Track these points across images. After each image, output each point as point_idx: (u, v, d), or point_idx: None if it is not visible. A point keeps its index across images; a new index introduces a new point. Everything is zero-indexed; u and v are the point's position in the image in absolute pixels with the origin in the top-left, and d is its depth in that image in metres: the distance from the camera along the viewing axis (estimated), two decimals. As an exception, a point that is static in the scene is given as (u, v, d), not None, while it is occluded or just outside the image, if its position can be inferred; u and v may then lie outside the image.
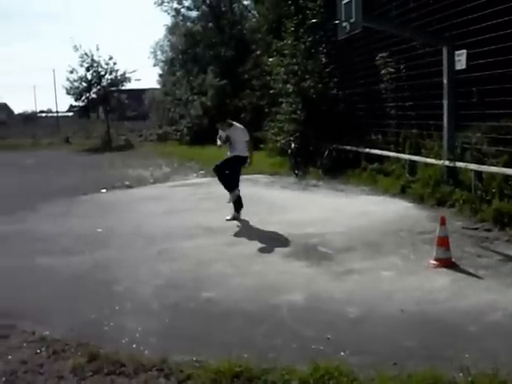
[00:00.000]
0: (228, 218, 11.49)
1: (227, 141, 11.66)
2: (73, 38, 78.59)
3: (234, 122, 12.05)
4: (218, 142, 11.96)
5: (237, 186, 11.64)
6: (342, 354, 5.20)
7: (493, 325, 5.82)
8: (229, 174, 11.62)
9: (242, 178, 16.11)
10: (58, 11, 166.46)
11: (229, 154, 11.77)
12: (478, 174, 11.28)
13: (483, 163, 11.41)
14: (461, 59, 12.07)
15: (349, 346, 5.35)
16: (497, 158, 11.36)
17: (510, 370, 4.64)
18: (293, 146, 19.40)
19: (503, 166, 10.88)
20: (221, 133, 11.80)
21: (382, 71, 16.35)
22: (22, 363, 5.25)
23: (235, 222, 11.16)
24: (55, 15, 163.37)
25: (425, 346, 5.38)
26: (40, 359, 5.36)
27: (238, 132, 11.80)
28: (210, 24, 40.65)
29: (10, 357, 5.41)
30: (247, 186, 16.01)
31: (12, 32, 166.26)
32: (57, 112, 73.46)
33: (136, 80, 65.83)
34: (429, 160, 13.37)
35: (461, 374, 4.58)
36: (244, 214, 11.67)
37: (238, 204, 11.59)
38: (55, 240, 10.34)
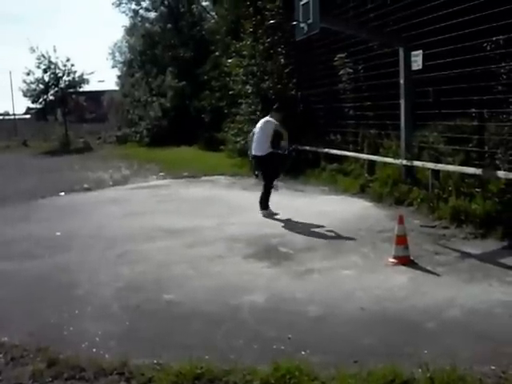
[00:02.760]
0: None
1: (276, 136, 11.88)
2: (29, 39, 77.45)
3: None
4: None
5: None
6: (303, 353, 5.22)
7: (451, 321, 5.91)
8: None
9: (202, 179, 16.04)
10: (13, 12, 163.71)
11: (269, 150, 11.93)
12: (435, 172, 11.43)
13: (440, 162, 11.57)
14: (417, 60, 12.21)
15: (310, 346, 5.39)
16: (453, 157, 11.53)
17: (468, 365, 4.72)
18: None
19: (459, 165, 11.05)
20: (274, 128, 11.99)
21: (341, 72, 16.49)
22: (-21, 370, 5.17)
23: (196, 224, 11.10)
24: (11, 16, 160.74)
25: (385, 343, 5.45)
26: (-2, 366, 5.28)
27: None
28: (169, 25, 40.50)
29: (-33, 364, 5.31)
30: (208, 188, 16.03)
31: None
32: (14, 115, 71.99)
33: (99, 81, 65.57)
34: (387, 159, 13.51)
35: (420, 370, 4.64)
36: (204, 216, 11.68)
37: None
38: (14, 244, 10.19)
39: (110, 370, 5.01)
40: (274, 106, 12.88)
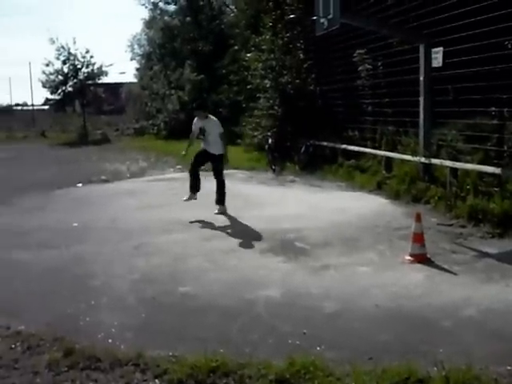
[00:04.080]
0: (216, 211, 11.60)
1: (201, 133, 11.72)
2: (49, 30, 77.78)
3: (210, 115, 11.97)
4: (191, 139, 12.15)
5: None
6: (318, 348, 5.23)
7: (467, 320, 5.89)
8: (217, 179, 11.78)
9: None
10: (33, 4, 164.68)
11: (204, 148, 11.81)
12: (453, 170, 11.36)
13: (458, 160, 11.51)
14: (437, 57, 12.15)
15: (325, 341, 5.39)
16: (471, 155, 11.47)
17: (484, 364, 4.70)
18: (270, 141, 19.38)
19: (478, 163, 10.99)
20: (194, 127, 11.89)
21: (360, 68, 16.42)
22: (-4, 358, 5.22)
23: (213, 217, 11.13)
24: (31, 8, 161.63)
25: (400, 340, 5.43)
26: (15, 354, 5.31)
27: (212, 124, 11.77)
28: (188, 18, 40.46)
29: (-16, 352, 5.37)
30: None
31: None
32: (32, 105, 72.56)
33: (121, 73, 65.69)
34: (405, 157, 13.46)
35: (435, 369, 4.62)
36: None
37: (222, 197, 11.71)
38: (31, 234, 10.26)
39: (125, 360, 5.04)
40: (195, 105, 12.90)
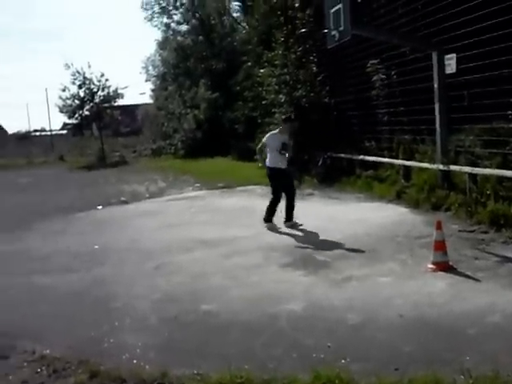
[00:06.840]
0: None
1: (284, 148, 11.75)
2: (64, 55, 78.75)
3: None
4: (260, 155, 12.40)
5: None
6: (343, 361, 5.19)
7: (492, 327, 5.82)
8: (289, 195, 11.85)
9: (237, 189, 16.06)
10: (47, 28, 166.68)
11: (279, 165, 11.90)
12: (473, 176, 11.29)
13: (477, 166, 11.43)
14: (451, 63, 12.12)
15: (349, 354, 5.35)
16: (490, 160, 11.39)
17: (511, 371, 4.64)
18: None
19: (496, 168, 10.91)
20: (274, 142, 11.81)
21: (373, 78, 16.41)
22: (22, 383, 5.24)
23: (233, 234, 11.11)
24: (45, 33, 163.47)
25: (425, 350, 5.38)
26: (41, 378, 5.35)
27: (288, 138, 12.00)
28: (201, 37, 40.80)
29: (10, 377, 5.39)
30: (243, 198, 16.05)
31: (10, 50, 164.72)
32: (50, 130, 73.14)
33: (141, 94, 66.35)
34: (423, 165, 13.39)
35: (462, 377, 4.58)
36: (241, 226, 11.71)
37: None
38: (52, 258, 10.33)
39: (150, 380, 5.04)
40: (283, 117, 12.75)
